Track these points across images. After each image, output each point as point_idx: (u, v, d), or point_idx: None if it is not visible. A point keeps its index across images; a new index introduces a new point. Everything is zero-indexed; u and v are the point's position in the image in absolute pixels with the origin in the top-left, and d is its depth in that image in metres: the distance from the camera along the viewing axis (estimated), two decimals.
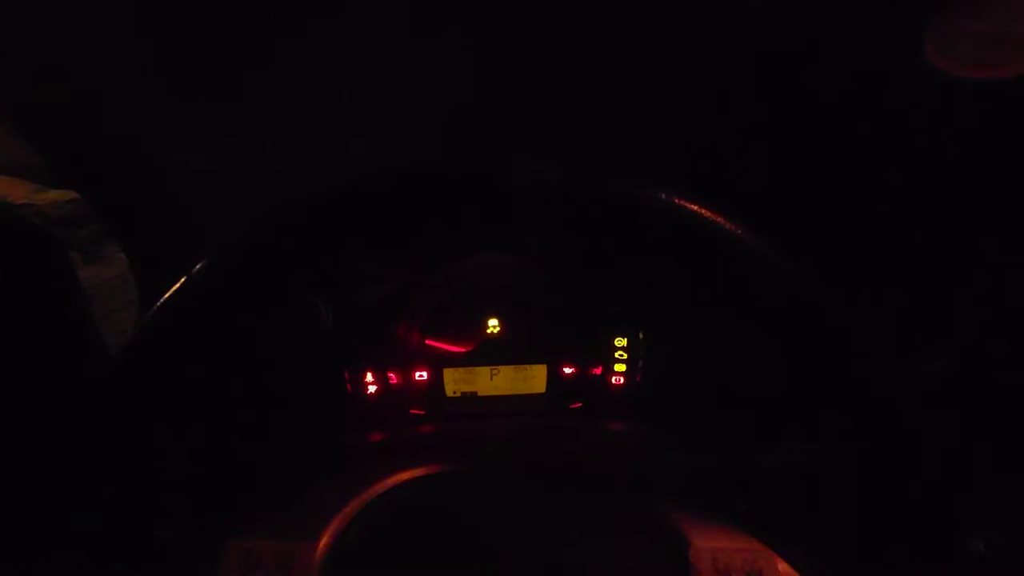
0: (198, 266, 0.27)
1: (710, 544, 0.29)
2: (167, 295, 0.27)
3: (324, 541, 0.29)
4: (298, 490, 0.32)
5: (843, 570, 0.29)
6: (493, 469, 0.35)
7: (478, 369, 0.64)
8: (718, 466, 0.38)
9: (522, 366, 0.64)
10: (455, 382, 0.64)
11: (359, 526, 0.30)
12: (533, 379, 0.64)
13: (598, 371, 0.61)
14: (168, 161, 0.57)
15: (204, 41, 0.53)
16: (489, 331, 0.64)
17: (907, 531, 0.28)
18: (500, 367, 0.64)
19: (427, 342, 0.63)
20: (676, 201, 0.26)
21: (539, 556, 0.29)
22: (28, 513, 0.30)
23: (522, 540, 0.30)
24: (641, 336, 0.61)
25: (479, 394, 0.64)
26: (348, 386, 0.60)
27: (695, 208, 0.26)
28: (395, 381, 0.61)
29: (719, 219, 0.26)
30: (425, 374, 0.63)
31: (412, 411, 0.61)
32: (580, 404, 0.62)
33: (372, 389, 0.60)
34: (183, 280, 0.27)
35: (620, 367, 0.61)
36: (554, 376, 0.64)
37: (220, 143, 0.58)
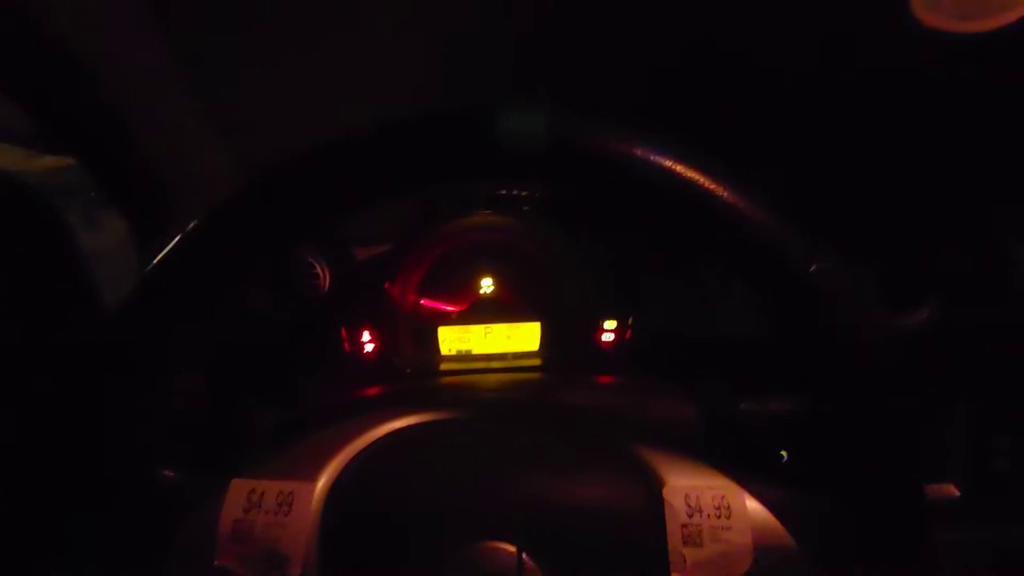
0: (191, 225, 0.28)
1: (683, 482, 0.31)
2: (160, 254, 0.28)
3: (323, 481, 0.31)
4: (299, 436, 0.33)
5: (812, 505, 0.31)
6: (484, 416, 0.36)
7: (472, 327, 0.65)
8: (698, 411, 0.39)
9: (515, 324, 0.65)
10: (450, 340, 0.65)
11: (355, 468, 0.32)
12: (526, 337, 0.66)
13: (589, 329, 0.62)
14: (164, 125, 0.57)
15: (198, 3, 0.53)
16: (483, 291, 0.65)
17: (875, 476, 0.29)
18: (494, 325, 0.65)
19: (422, 301, 0.65)
20: (657, 149, 0.27)
21: (523, 494, 0.31)
22: (31, 462, 0.32)
23: (508, 480, 0.32)
24: (631, 294, 0.63)
25: (473, 352, 0.66)
26: (346, 344, 0.62)
27: (678, 158, 0.27)
28: (391, 339, 0.63)
29: (704, 170, 0.27)
30: (421, 332, 0.65)
31: (408, 368, 0.63)
32: (572, 360, 0.64)
33: (369, 347, 0.62)
34: (177, 239, 0.28)
35: (611, 324, 0.62)
36: (547, 334, 0.65)
37: (216, 105, 0.58)
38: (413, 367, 0.64)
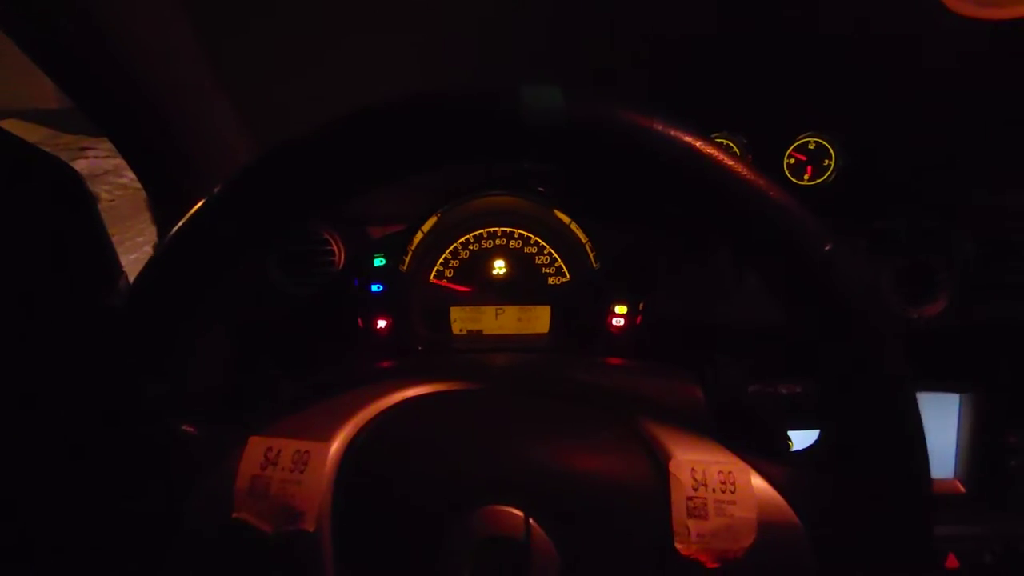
0: (211, 193, 0.28)
1: (689, 457, 0.31)
2: (179, 223, 0.28)
3: (337, 443, 0.32)
4: (315, 400, 0.34)
5: (817, 486, 0.31)
6: (494, 387, 0.37)
7: (484, 308, 0.66)
8: (707, 392, 0.40)
9: (526, 307, 0.66)
10: (461, 320, 0.66)
11: (368, 432, 0.33)
12: (537, 320, 0.66)
13: (600, 313, 0.63)
14: (184, 93, 0.58)
15: None
16: (495, 272, 0.66)
17: (880, 464, 0.29)
18: (505, 307, 0.66)
19: (434, 281, 0.66)
20: (673, 129, 0.27)
21: (531, 462, 0.32)
22: (56, 418, 0.33)
23: (516, 448, 0.32)
24: (643, 279, 0.63)
25: (484, 332, 0.67)
26: (360, 321, 0.62)
27: (692, 137, 0.27)
28: (404, 318, 0.64)
29: (719, 151, 0.27)
30: (433, 312, 0.66)
31: (420, 346, 0.64)
32: (582, 343, 0.64)
33: (382, 324, 0.63)
34: (196, 207, 0.28)
35: (621, 309, 0.62)
36: (557, 317, 0.66)
37: (235, 74, 0.59)
38: (424, 345, 0.64)
